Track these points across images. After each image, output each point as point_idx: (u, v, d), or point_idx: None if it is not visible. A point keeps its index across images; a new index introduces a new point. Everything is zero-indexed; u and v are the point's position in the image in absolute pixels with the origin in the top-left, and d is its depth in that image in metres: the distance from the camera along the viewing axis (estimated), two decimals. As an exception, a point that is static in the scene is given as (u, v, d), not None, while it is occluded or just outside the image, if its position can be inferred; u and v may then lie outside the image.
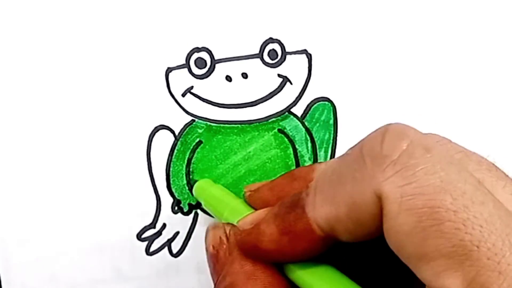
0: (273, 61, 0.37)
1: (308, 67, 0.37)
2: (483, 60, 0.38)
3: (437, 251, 0.20)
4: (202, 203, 0.36)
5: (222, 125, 0.37)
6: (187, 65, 0.37)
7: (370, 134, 0.23)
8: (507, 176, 0.24)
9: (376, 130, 0.23)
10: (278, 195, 0.30)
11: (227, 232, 0.29)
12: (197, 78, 0.37)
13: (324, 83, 0.37)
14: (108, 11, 0.36)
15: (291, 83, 0.37)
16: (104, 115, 0.37)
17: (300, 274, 0.25)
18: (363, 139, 0.24)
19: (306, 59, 0.37)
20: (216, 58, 0.37)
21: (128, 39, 0.36)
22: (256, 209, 0.30)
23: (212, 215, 0.35)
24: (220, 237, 0.29)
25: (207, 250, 0.30)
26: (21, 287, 0.36)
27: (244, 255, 0.27)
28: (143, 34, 0.36)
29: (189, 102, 0.37)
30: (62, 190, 0.37)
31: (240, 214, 0.30)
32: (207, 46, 0.37)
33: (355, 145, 0.24)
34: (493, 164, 0.24)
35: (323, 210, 0.24)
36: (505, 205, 0.21)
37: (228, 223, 0.30)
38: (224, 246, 0.29)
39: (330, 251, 0.25)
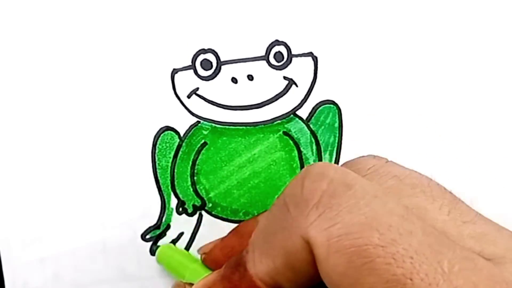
0: (279, 64, 0.37)
1: (314, 70, 0.37)
2: (490, 65, 0.38)
3: None
4: (165, 267, 0.37)
5: (227, 126, 0.37)
6: (193, 66, 0.37)
7: (291, 181, 0.23)
8: (446, 192, 0.23)
9: (296, 175, 0.23)
10: (228, 255, 0.31)
11: None
12: (202, 79, 0.37)
13: (329, 86, 0.37)
14: (114, 12, 0.36)
15: (296, 86, 0.37)
16: (110, 116, 0.37)
17: None
18: (285, 187, 0.24)
19: (312, 62, 0.37)
20: (222, 59, 0.37)
21: (134, 40, 0.36)
22: (212, 270, 0.31)
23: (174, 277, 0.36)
24: None
25: None
26: (24, 286, 0.37)
27: None
28: (149, 35, 0.36)
29: (195, 104, 0.37)
30: (67, 190, 0.37)
31: (199, 275, 0.31)
32: (213, 48, 0.37)
33: (280, 194, 0.24)
34: (429, 183, 0.23)
35: (262, 264, 0.24)
36: (442, 227, 0.21)
37: (191, 284, 0.31)
38: None
39: None
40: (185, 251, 0.37)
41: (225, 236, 0.33)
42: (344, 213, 0.20)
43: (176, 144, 0.37)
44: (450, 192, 0.23)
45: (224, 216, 0.38)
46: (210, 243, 0.34)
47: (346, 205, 0.21)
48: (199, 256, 0.36)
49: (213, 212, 0.38)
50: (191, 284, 0.31)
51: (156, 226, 0.37)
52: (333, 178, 0.22)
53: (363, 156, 0.25)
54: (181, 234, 0.38)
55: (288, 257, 0.22)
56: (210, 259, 0.33)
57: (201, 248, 0.34)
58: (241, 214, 0.38)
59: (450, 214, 0.22)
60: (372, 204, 0.21)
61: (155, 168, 0.37)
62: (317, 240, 0.21)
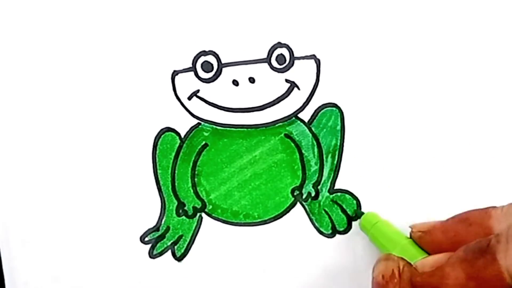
0: (281, 66, 0.37)
1: (316, 73, 0.37)
2: (492, 69, 0.37)
3: None
4: (369, 237, 0.36)
5: (228, 128, 0.37)
6: (193, 68, 0.36)
7: None
8: None
9: None
10: (453, 239, 0.30)
11: (401, 267, 0.30)
12: (203, 81, 0.36)
13: (332, 89, 0.37)
14: (115, 14, 0.36)
15: (298, 89, 0.37)
16: (110, 117, 0.36)
17: None
18: None
19: (315, 65, 0.37)
20: (223, 62, 0.36)
21: (135, 41, 0.36)
22: (426, 251, 0.31)
23: (378, 248, 0.35)
24: (393, 270, 0.30)
25: (374, 278, 0.31)
26: (24, 287, 0.37)
27: None
28: (150, 36, 0.36)
29: (195, 106, 0.37)
30: (67, 191, 0.37)
31: (410, 254, 0.31)
32: (214, 50, 0.36)
33: None
34: None
35: None
36: None
37: (403, 259, 0.31)
38: (395, 280, 0.30)
39: None
40: (390, 223, 0.36)
41: (447, 220, 0.32)
42: None
43: (177, 145, 0.37)
44: None
45: (224, 219, 0.38)
46: (425, 223, 0.33)
47: None
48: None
49: (213, 215, 0.38)
50: (405, 261, 0.31)
51: (156, 228, 0.37)
52: None
53: None
54: (181, 237, 0.37)
55: None
56: (428, 239, 0.32)
57: (414, 225, 0.33)
58: (241, 216, 0.38)
59: None
60: None
61: (156, 169, 0.37)
62: None
